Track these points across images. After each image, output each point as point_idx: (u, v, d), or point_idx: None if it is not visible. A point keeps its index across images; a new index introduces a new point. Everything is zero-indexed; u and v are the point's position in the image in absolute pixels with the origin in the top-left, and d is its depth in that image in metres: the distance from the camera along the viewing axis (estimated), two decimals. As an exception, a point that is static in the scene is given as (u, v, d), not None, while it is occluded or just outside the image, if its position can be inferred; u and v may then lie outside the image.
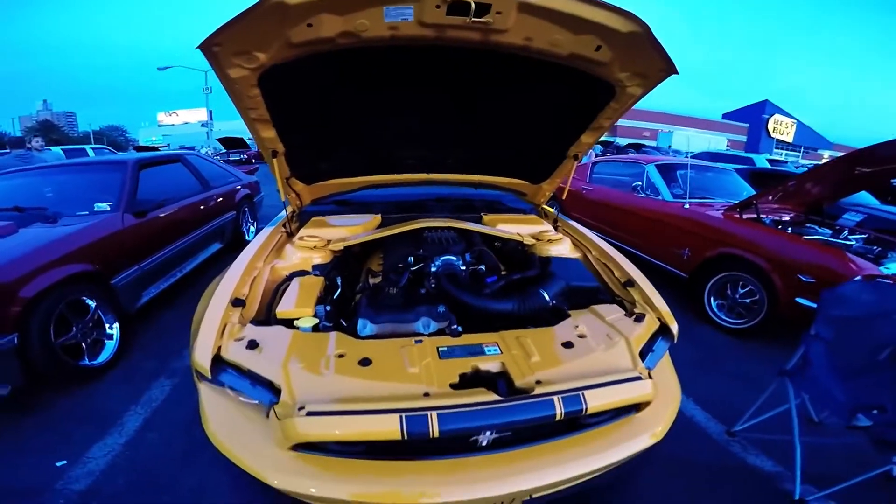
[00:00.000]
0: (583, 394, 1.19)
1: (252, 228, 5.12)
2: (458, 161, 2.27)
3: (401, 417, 1.10)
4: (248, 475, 1.18)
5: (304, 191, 2.22)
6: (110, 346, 2.52)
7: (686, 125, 36.83)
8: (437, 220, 2.09)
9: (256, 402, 1.25)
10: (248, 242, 1.97)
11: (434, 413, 1.11)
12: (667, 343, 1.58)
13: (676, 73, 1.46)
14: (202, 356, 1.29)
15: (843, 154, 3.05)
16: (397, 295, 1.73)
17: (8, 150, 6.22)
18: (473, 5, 1.24)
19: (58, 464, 1.84)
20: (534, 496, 1.24)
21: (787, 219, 3.43)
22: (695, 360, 2.85)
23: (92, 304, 2.44)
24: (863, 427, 1.53)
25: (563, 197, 2.47)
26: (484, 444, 1.21)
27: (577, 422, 1.30)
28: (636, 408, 1.35)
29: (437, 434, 1.09)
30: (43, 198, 3.04)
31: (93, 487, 1.73)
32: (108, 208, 2.84)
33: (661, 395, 1.43)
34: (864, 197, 4.84)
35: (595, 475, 1.35)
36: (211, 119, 27.81)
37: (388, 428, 1.10)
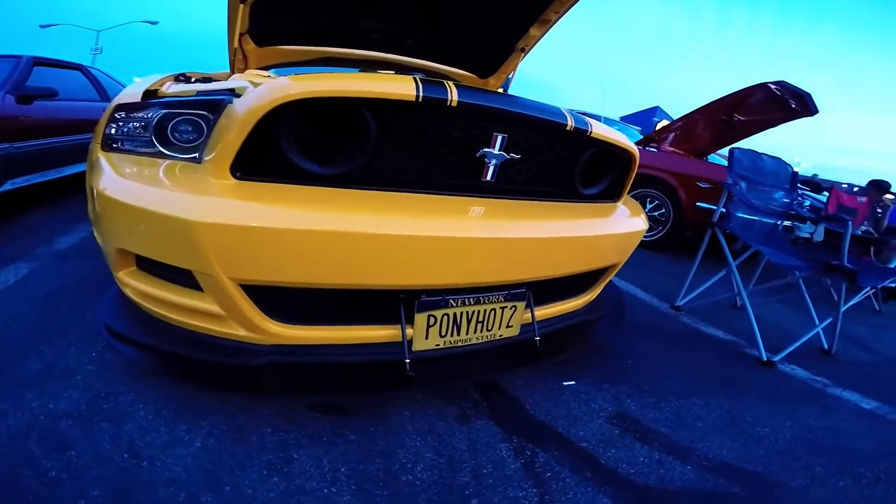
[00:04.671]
0: (589, 120, 1.29)
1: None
2: (416, 42, 2.30)
3: (415, 80, 0.98)
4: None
5: (253, 53, 2.10)
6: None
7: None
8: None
9: (189, 150, 1.05)
10: None
11: (453, 84, 1.03)
12: None
13: None
14: (130, 95, 1.14)
15: (721, 97, 3.45)
16: None
17: None
18: None
19: None
20: (534, 311, 1.29)
21: None
22: (627, 264, 3.26)
23: None
24: (805, 238, 1.80)
25: None
26: (489, 177, 1.17)
27: (573, 190, 1.41)
28: (617, 194, 1.55)
29: (455, 102, 1.00)
30: None
31: None
32: (-9, 89, 2.46)
33: (633, 208, 1.66)
34: None
35: (583, 307, 1.55)
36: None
37: (403, 89, 0.96)
